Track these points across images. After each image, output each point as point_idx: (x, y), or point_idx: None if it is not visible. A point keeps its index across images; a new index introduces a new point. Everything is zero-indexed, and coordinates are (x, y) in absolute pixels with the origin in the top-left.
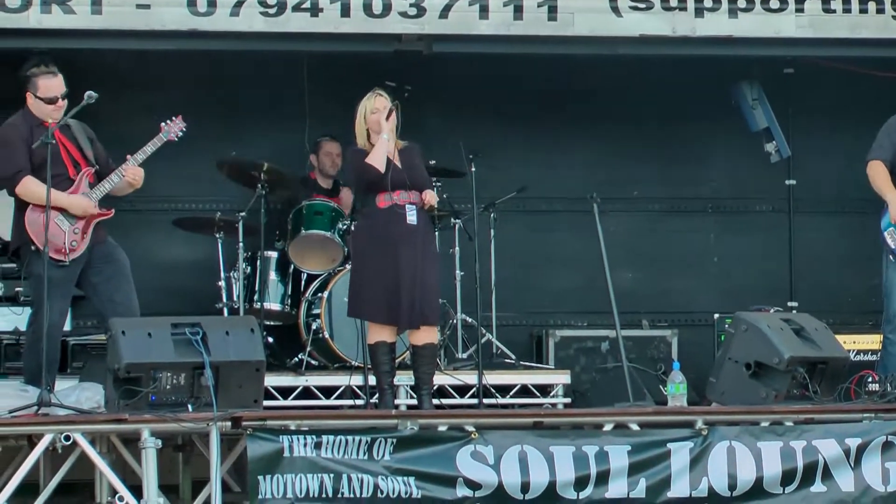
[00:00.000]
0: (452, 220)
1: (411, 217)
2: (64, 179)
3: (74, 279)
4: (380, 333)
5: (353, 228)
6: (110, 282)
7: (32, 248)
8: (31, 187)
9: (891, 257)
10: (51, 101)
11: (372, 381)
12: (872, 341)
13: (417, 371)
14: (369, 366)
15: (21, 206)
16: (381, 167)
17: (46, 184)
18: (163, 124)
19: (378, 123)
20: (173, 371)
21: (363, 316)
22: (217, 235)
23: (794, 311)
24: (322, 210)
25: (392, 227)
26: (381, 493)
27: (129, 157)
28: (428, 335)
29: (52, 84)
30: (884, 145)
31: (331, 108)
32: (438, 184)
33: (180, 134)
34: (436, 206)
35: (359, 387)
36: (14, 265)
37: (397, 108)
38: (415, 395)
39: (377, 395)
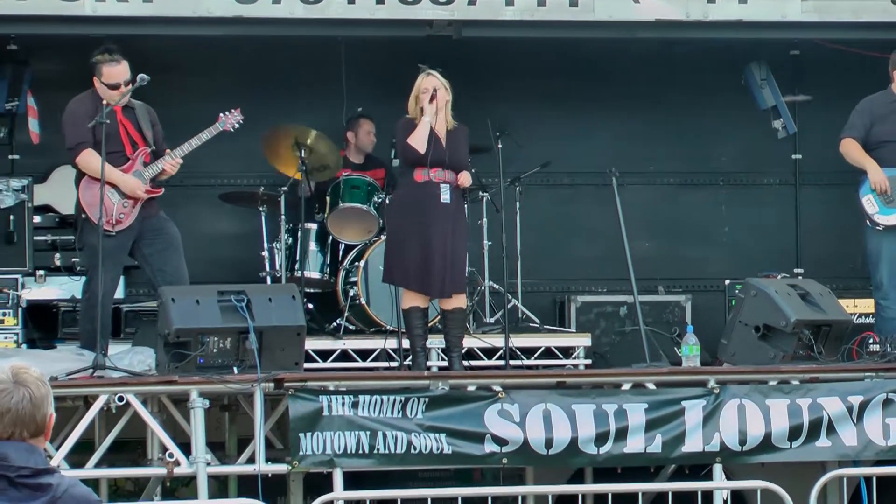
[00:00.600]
0: (481, 193)
1: (445, 195)
2: (121, 157)
3: (126, 249)
4: (413, 299)
5: (389, 199)
6: (161, 253)
7: (83, 216)
8: (89, 159)
9: (868, 223)
10: (113, 86)
11: (406, 344)
12: (873, 305)
13: (447, 334)
14: (403, 330)
15: (79, 178)
16: (421, 149)
17: (101, 159)
18: (221, 114)
19: (422, 101)
20: (220, 336)
21: (397, 283)
22: (261, 209)
23: (800, 277)
24: (359, 184)
25: (426, 201)
26: (415, 448)
27: (168, 151)
28: (457, 301)
29: (114, 71)
30: (856, 125)
31: (367, 89)
32: (468, 159)
33: (237, 126)
34: (469, 186)
35: (393, 350)
36: (71, 237)
37: (443, 89)
38: (445, 357)
39: (410, 357)
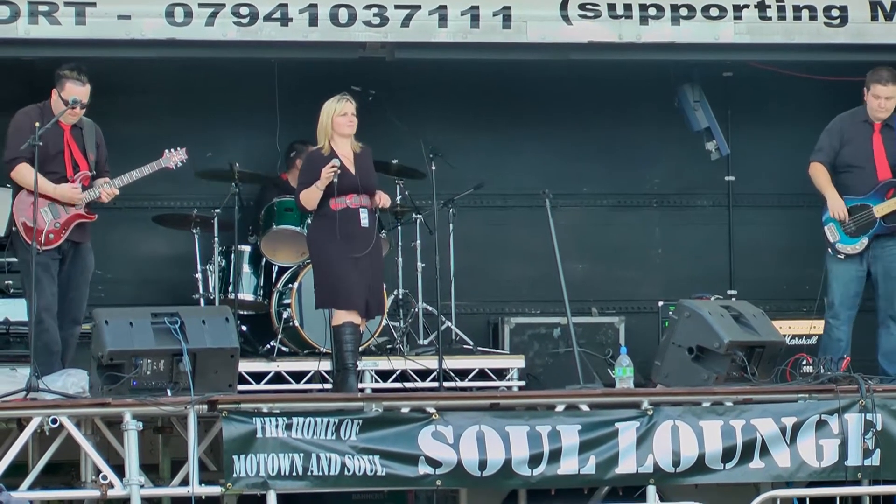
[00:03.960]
0: (414, 215)
1: (363, 220)
2: (60, 178)
3: (56, 266)
4: (346, 315)
5: (308, 226)
6: (71, 280)
7: (14, 230)
8: (24, 174)
9: (829, 250)
10: (67, 103)
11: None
12: (806, 326)
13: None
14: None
15: (16, 193)
16: (310, 208)
17: (36, 180)
18: (166, 151)
19: (343, 126)
20: (153, 358)
21: (329, 305)
22: (194, 231)
23: (734, 299)
24: (292, 206)
25: (345, 226)
26: (348, 470)
27: (107, 179)
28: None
29: (75, 90)
30: (824, 148)
31: (300, 111)
32: (401, 182)
33: (180, 164)
34: (388, 206)
35: (327, 371)
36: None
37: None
38: (380, 380)
39: (340, 375)
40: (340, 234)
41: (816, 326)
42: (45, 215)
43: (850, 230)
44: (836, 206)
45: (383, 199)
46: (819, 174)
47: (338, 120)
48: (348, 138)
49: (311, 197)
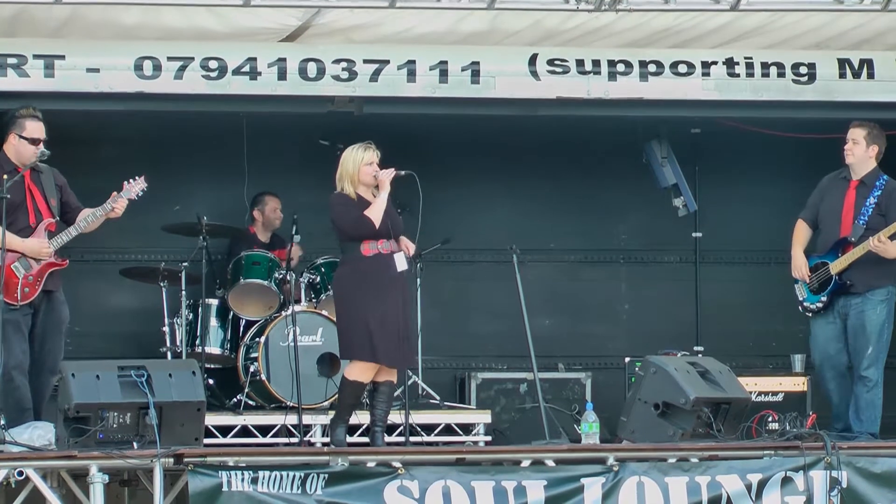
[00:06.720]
0: None
1: (394, 264)
2: (23, 227)
3: (28, 321)
4: (361, 374)
5: (336, 274)
6: (46, 331)
7: None
8: None
9: (799, 308)
10: (34, 141)
11: (306, 419)
12: (772, 383)
13: (377, 408)
14: (304, 405)
15: None
16: (378, 222)
17: (4, 235)
18: (125, 182)
19: (373, 177)
20: (120, 411)
21: (354, 356)
22: (161, 284)
23: (700, 355)
24: (260, 260)
25: (377, 273)
26: None
27: (84, 210)
28: (390, 374)
29: (36, 127)
30: (808, 204)
31: (268, 164)
32: None
33: (140, 193)
34: (412, 254)
35: (293, 425)
36: None
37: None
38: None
39: (332, 423)
40: (372, 282)
41: (783, 384)
42: (17, 271)
43: (813, 287)
44: (795, 264)
45: (410, 249)
46: (795, 232)
47: (364, 169)
48: (370, 187)
49: (376, 210)
